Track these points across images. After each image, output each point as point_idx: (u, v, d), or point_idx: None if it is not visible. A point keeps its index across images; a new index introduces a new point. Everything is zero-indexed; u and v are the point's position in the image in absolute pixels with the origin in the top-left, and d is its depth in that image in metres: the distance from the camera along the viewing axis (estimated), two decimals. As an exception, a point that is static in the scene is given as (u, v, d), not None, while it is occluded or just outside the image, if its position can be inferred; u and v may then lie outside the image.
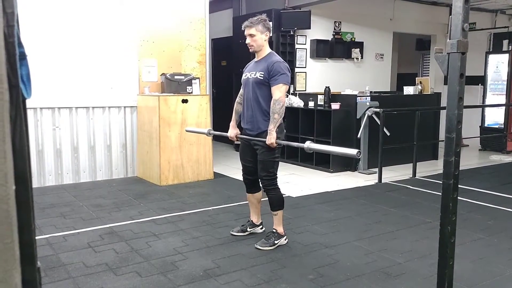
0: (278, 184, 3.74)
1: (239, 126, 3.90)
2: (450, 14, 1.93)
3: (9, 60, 0.75)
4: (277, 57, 3.65)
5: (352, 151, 2.92)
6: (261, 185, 3.76)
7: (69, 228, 4.17)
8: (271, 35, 3.70)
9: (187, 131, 4.71)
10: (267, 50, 3.68)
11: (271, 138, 3.47)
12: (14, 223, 0.70)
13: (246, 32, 3.61)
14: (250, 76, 3.67)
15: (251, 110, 3.66)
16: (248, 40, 3.62)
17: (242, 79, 3.81)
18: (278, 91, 3.50)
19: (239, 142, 3.92)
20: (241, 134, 3.83)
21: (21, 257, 0.75)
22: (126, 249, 3.66)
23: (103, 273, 3.20)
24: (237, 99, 3.94)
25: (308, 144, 3.20)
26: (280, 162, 3.85)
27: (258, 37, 3.58)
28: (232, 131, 3.90)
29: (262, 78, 3.56)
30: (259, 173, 3.68)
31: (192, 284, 3.03)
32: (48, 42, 5.63)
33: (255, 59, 3.75)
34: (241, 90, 3.87)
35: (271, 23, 3.83)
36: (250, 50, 3.70)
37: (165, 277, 3.13)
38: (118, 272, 3.21)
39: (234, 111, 3.94)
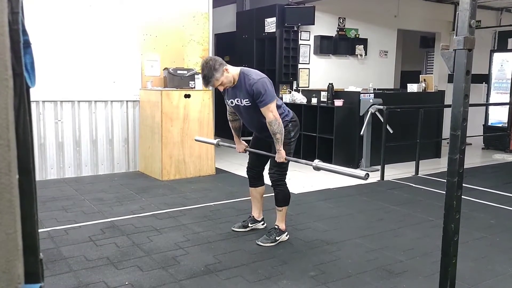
0: (286, 180, 3.72)
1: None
2: (455, 11, 1.92)
3: (13, 48, 0.74)
4: (252, 76, 3.41)
5: (361, 173, 2.87)
6: (268, 179, 3.74)
7: (71, 221, 4.17)
8: (225, 64, 3.42)
9: (196, 140, 4.67)
10: (236, 74, 3.46)
11: (281, 157, 3.48)
12: (17, 213, 0.69)
13: (213, 87, 3.49)
14: (237, 102, 3.53)
15: (261, 128, 3.58)
16: (220, 89, 3.50)
17: (228, 104, 3.68)
18: (268, 111, 3.39)
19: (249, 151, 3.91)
20: (252, 136, 3.84)
21: (24, 248, 0.74)
22: (127, 243, 3.65)
23: (104, 266, 3.20)
24: (229, 117, 3.84)
25: (316, 163, 3.22)
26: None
27: (224, 80, 3.40)
28: (240, 146, 3.89)
29: (250, 103, 3.45)
30: (271, 165, 3.66)
31: (193, 279, 3.03)
32: (51, 36, 5.61)
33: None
34: (228, 108, 3.77)
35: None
36: (228, 88, 3.53)
37: (166, 272, 3.13)
38: (119, 266, 3.20)
39: (232, 129, 3.87)
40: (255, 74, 3.45)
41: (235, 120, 3.82)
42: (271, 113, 3.38)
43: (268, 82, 3.43)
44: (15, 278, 0.70)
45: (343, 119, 6.80)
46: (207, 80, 3.37)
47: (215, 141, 4.20)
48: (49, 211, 4.46)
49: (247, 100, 3.44)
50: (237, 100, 3.52)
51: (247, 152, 3.90)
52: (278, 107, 3.54)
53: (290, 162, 3.62)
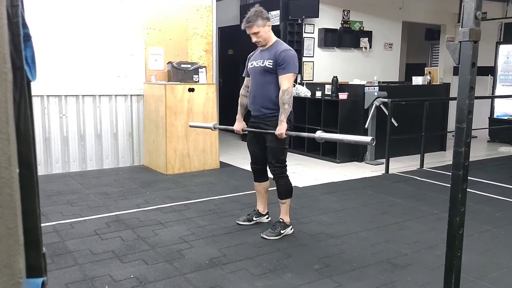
0: (287, 172, 3.72)
1: (246, 116, 3.87)
2: (461, 3, 1.90)
3: (13, 41, 0.73)
4: (284, 45, 3.60)
5: (366, 139, 2.88)
6: (270, 173, 3.74)
7: (76, 215, 4.19)
8: (270, 22, 3.62)
9: (190, 126, 4.64)
10: (273, 38, 3.64)
11: (281, 129, 3.46)
12: (18, 207, 0.69)
13: (248, 32, 3.56)
14: (257, 64, 3.61)
15: (259, 97, 3.61)
16: (254, 39, 3.57)
17: (248, 67, 3.75)
18: (287, 80, 3.46)
19: (246, 132, 3.90)
20: (247, 126, 3.80)
21: (26, 242, 0.74)
22: (133, 237, 3.67)
23: (110, 260, 3.21)
24: (242, 91, 3.87)
25: (320, 134, 3.18)
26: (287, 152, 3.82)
27: (261, 32, 3.53)
28: (238, 125, 3.88)
29: (271, 66, 3.52)
30: (269, 160, 3.67)
31: (198, 272, 3.04)
32: (55, 30, 5.61)
33: (261, 48, 3.68)
34: (245, 81, 3.83)
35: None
36: (259, 46, 3.65)
37: (171, 265, 3.14)
38: (125, 260, 3.22)
39: (239, 104, 3.89)
40: (289, 47, 3.61)
41: (246, 96, 3.83)
42: (288, 83, 3.48)
43: (296, 58, 3.57)
44: (17, 272, 0.70)
45: (348, 112, 6.77)
46: (248, 21, 3.49)
47: (211, 125, 4.18)
48: (54, 205, 4.48)
49: (270, 62, 3.52)
50: (257, 62, 3.61)
51: (244, 132, 3.91)
52: None
53: (289, 158, 3.61)
